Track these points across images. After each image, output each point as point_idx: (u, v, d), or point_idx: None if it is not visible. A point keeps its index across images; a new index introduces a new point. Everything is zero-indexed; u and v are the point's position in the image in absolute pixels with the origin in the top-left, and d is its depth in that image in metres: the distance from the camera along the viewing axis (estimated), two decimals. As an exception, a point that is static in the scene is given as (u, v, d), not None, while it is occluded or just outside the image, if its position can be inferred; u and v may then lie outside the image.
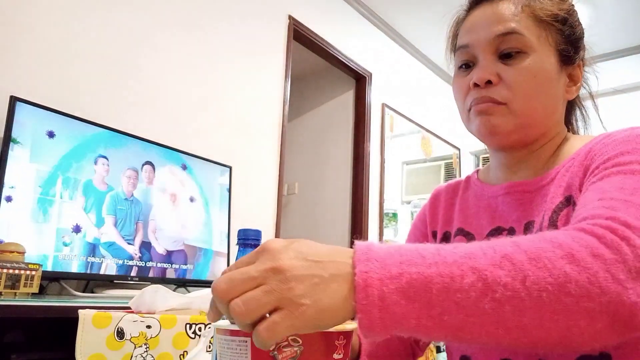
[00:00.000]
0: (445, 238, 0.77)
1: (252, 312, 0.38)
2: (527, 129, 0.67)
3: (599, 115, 0.78)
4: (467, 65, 0.71)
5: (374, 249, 0.41)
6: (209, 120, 2.33)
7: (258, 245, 0.60)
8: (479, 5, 0.71)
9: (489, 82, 0.66)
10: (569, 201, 0.62)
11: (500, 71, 0.66)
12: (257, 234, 0.60)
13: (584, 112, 0.78)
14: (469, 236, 0.73)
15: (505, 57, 0.66)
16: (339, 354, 0.46)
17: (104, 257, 1.64)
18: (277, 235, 2.61)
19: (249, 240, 0.59)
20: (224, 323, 0.45)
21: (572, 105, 0.77)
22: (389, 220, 3.66)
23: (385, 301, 0.38)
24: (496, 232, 0.70)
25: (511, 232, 0.68)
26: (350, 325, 0.47)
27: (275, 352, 0.42)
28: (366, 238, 3.35)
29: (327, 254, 0.42)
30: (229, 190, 2.17)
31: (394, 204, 3.67)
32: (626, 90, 4.08)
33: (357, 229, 3.37)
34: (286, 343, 0.42)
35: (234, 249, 0.61)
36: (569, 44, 0.69)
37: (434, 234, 0.80)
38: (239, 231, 0.59)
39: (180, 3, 2.26)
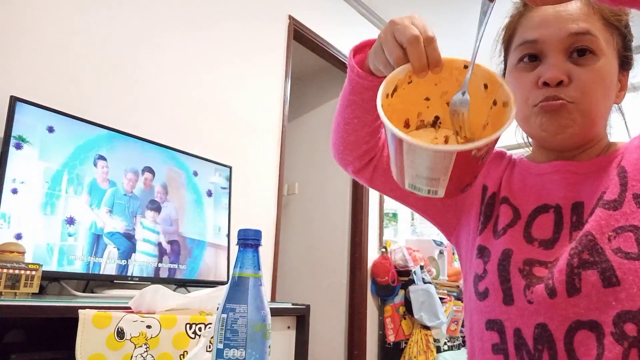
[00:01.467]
0: (492, 197, 0.77)
1: None
2: (588, 129, 0.67)
3: (624, 119, 0.79)
4: (530, 59, 0.69)
5: None
6: (209, 120, 2.33)
7: (258, 245, 0.60)
8: None
9: (559, 82, 0.65)
10: (616, 177, 0.65)
11: (571, 71, 0.65)
12: (257, 234, 0.60)
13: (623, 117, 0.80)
14: (513, 208, 0.73)
15: (576, 56, 0.66)
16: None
17: (107, 245, 1.65)
18: (277, 235, 2.61)
19: (249, 240, 0.59)
20: (425, 143, 0.53)
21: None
22: (389, 220, 3.66)
23: None
24: (543, 209, 0.70)
25: (557, 209, 0.68)
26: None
27: (476, 151, 0.52)
28: (366, 238, 3.35)
29: None
30: (229, 190, 2.17)
31: (394, 204, 3.67)
32: (628, 90, 4.08)
33: (357, 229, 3.37)
34: (484, 143, 0.52)
35: (234, 249, 0.61)
36: (628, 49, 0.70)
37: (484, 188, 0.79)
38: (239, 231, 0.59)
39: (180, 3, 2.26)
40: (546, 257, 0.66)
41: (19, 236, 1.43)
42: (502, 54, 0.78)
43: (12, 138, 1.46)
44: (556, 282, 0.61)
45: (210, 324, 0.93)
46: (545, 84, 0.66)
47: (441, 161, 0.53)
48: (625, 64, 0.70)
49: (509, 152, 0.83)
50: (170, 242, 1.87)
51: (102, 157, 1.69)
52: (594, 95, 0.65)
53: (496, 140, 0.54)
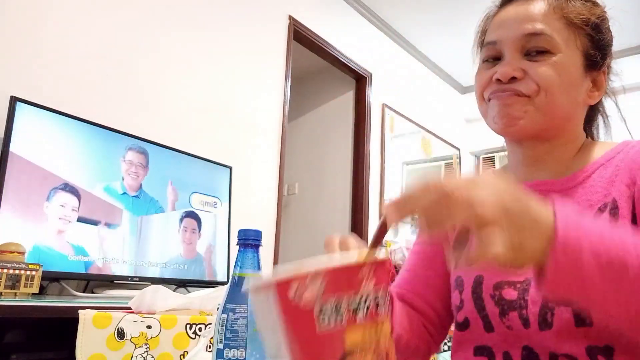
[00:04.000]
0: (465, 230, 0.76)
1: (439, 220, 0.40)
2: (543, 123, 0.66)
3: (623, 118, 0.78)
4: (492, 59, 0.70)
5: (572, 213, 0.43)
6: (209, 120, 2.33)
7: (258, 245, 0.60)
8: (512, 2, 0.71)
9: (513, 78, 0.66)
10: (606, 206, 0.63)
11: (525, 67, 0.66)
12: (257, 234, 0.60)
13: (605, 120, 0.78)
14: None
15: (533, 54, 0.66)
16: (369, 281, 0.42)
17: (107, 238, 1.65)
18: (277, 235, 2.61)
19: (249, 240, 0.59)
20: (258, 281, 0.42)
21: (594, 112, 0.76)
22: (389, 221, 3.66)
23: (579, 254, 0.40)
24: None
25: None
26: (381, 253, 0.44)
27: (293, 293, 0.39)
28: (366, 238, 3.35)
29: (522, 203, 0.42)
30: (229, 190, 2.17)
31: (394, 204, 3.67)
32: (627, 91, 4.08)
33: (357, 229, 3.37)
34: (305, 287, 0.39)
35: (235, 249, 0.61)
36: (596, 49, 0.69)
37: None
38: (239, 231, 0.59)
39: (180, 3, 2.26)
40: (515, 276, 0.65)
41: (21, 234, 1.43)
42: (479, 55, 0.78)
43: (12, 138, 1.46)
44: (530, 313, 0.61)
45: (210, 324, 0.93)
46: (499, 80, 0.67)
47: (260, 304, 0.42)
48: (594, 64, 0.69)
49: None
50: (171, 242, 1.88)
51: (102, 156, 1.69)
52: (549, 89, 0.65)
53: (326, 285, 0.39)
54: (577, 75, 0.67)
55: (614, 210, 0.62)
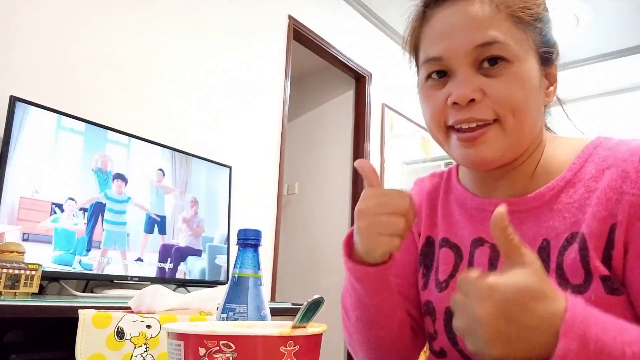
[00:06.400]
0: (429, 244, 0.73)
1: None
2: (516, 147, 0.60)
3: (564, 111, 0.72)
4: (439, 74, 0.61)
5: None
6: (209, 120, 2.33)
7: (258, 245, 0.60)
8: (444, 2, 0.61)
9: (472, 100, 0.57)
10: (574, 238, 0.57)
11: (484, 85, 0.57)
12: (257, 234, 0.60)
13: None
14: (454, 248, 0.69)
15: (487, 66, 0.58)
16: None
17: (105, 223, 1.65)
18: (277, 235, 2.61)
19: (249, 240, 0.59)
20: (172, 326, 0.41)
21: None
22: (389, 220, 3.66)
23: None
24: (478, 242, 0.66)
25: (494, 247, 0.63)
26: (312, 328, 0.42)
27: (206, 358, 0.38)
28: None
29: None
30: (229, 190, 2.17)
31: (393, 204, 3.67)
32: (626, 91, 4.08)
33: (357, 229, 3.37)
34: (217, 348, 0.38)
35: (234, 248, 0.61)
36: (548, 43, 0.62)
37: (418, 236, 0.75)
38: (239, 231, 0.59)
39: (180, 3, 2.26)
40: None
41: (25, 237, 1.43)
42: (414, 63, 0.69)
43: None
44: None
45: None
46: (455, 103, 0.58)
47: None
48: (548, 60, 0.62)
49: (429, 179, 0.77)
50: (175, 244, 1.88)
51: (104, 156, 1.69)
52: (515, 108, 0.57)
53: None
54: (536, 80, 0.60)
55: (584, 252, 0.55)
